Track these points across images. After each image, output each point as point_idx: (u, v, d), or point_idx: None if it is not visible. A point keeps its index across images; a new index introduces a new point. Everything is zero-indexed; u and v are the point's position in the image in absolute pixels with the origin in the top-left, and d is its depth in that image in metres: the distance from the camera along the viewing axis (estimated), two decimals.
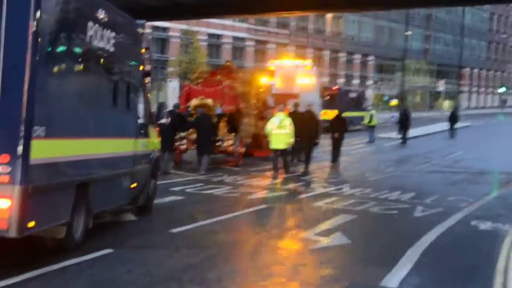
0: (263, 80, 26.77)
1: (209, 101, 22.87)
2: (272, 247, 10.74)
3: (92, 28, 9.61)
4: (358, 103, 46.11)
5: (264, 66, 34.74)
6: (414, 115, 42.43)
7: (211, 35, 59.00)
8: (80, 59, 9.40)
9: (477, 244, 11.53)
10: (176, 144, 22.04)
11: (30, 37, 7.97)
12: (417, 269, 9.39)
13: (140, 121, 12.49)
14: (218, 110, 23.10)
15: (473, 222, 13.37)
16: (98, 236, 10.52)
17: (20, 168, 7.90)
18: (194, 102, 22.97)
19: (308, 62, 35.18)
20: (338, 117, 25.24)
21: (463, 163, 26.51)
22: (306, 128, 21.57)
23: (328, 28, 75.65)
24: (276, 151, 20.07)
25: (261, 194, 16.65)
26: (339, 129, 24.40)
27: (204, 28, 55.24)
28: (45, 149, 8.32)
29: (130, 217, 12.62)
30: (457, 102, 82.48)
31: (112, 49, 10.39)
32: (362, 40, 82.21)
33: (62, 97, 8.80)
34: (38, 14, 8.03)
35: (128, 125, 11.71)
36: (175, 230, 11.43)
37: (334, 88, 48.29)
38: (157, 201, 13.89)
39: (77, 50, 9.30)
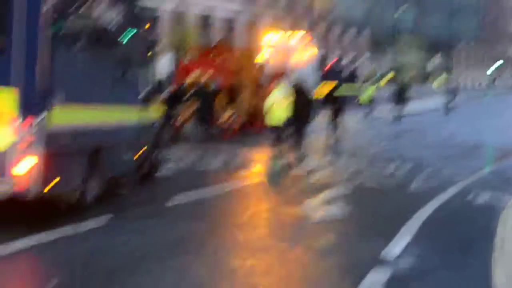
0: (257, 56, 26.94)
1: (205, 77, 23.13)
2: (267, 221, 10.71)
3: (101, 2, 10.22)
4: (354, 77, 45.98)
5: (257, 43, 34.68)
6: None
7: (201, 15, 58.70)
8: (93, 32, 9.99)
9: (474, 217, 11.52)
10: (177, 117, 22.19)
11: (50, 11, 8.58)
12: (416, 241, 9.34)
13: (145, 91, 12.83)
14: (214, 86, 23.35)
15: (469, 196, 13.35)
16: (100, 204, 10.46)
17: (41, 133, 8.40)
18: (190, 78, 23.24)
19: (304, 33, 34.94)
20: (335, 88, 25.56)
21: (458, 138, 26.53)
22: (301, 103, 21.33)
23: (319, 2, 75.29)
24: (278, 122, 19.10)
25: (255, 168, 16.60)
26: (337, 101, 24.60)
27: (194, 6, 54.86)
28: (64, 115, 8.93)
29: (131, 186, 12.60)
30: (444, 77, 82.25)
31: (120, 21, 10.99)
32: (355, 14, 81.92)
33: (78, 67, 9.46)
34: None
35: (134, 95, 12.22)
36: (171, 202, 11.37)
37: (332, 61, 48.51)
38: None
39: (90, 23, 9.95)
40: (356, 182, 14.54)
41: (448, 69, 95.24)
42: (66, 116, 9.04)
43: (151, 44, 13.42)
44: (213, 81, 23.25)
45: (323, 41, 75.15)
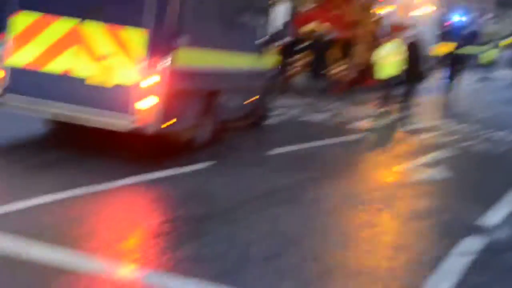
0: (377, 7, 26.67)
1: (324, 26, 22.91)
2: (367, 177, 10.63)
3: None
4: (475, 37, 44.58)
5: None
6: None
7: None
8: None
9: None
10: (289, 67, 22.29)
11: None
12: None
13: (263, 39, 13.19)
14: (329, 38, 23.10)
15: None
16: (207, 148, 10.72)
17: (167, 71, 9.04)
18: (309, 27, 23.04)
19: None
20: (455, 48, 25.95)
21: None
22: (414, 60, 20.93)
23: None
24: (388, 79, 19.29)
25: (362, 123, 16.45)
26: (455, 61, 24.96)
27: None
28: (187, 57, 9.56)
29: (239, 132, 12.77)
30: None
31: None
32: None
33: (201, 12, 9.93)
34: None
35: (252, 42, 12.66)
36: (273, 152, 11.46)
37: (447, 23, 47.21)
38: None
39: None
40: (463, 146, 14.20)
41: None
42: (189, 59, 9.61)
43: None
44: (329, 33, 22.97)
45: None
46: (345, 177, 10.34)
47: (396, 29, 25.06)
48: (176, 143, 10.29)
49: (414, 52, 21.41)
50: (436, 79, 25.00)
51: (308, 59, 21.78)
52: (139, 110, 9.01)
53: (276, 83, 15.62)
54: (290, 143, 12.44)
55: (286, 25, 23.61)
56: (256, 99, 13.40)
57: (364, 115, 17.89)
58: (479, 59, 37.22)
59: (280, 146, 11.91)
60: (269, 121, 14.55)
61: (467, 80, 33.71)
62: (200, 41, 9.94)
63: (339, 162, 11.54)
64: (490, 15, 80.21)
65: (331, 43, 23.20)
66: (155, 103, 8.99)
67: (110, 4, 9.11)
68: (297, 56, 22.50)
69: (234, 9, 11.40)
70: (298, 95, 20.69)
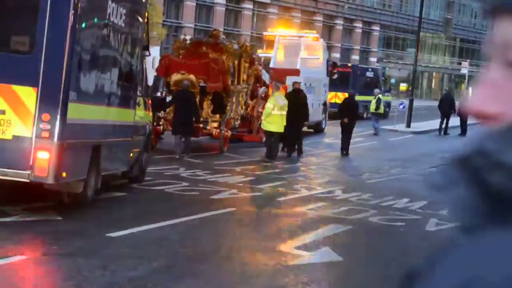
0: (259, 52, 28.77)
1: (192, 76, 23.68)
2: (240, 263, 10.66)
3: (110, 7, 13.61)
4: (374, 84, 46.19)
5: (262, 35, 36.74)
6: (427, 103, 42.07)
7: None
8: (101, 39, 13.57)
9: None
10: (161, 122, 23.58)
11: (70, 19, 12.05)
12: None
13: (139, 93, 16.34)
14: (201, 88, 24.02)
15: None
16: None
17: (58, 126, 11.77)
18: (174, 77, 23.82)
19: (314, 33, 37.27)
20: (348, 100, 27.52)
21: None
22: (300, 110, 23.99)
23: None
24: (272, 134, 22.21)
25: (232, 192, 16.58)
26: (348, 114, 26.34)
27: None
28: (76, 112, 12.33)
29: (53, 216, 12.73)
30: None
31: (123, 25, 14.47)
32: (365, 5, 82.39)
33: (88, 68, 13.03)
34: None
35: (131, 97, 15.80)
36: (114, 234, 11.35)
37: (347, 66, 49.55)
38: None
39: (101, 33, 13.54)
40: (357, 218, 14.54)
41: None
42: (77, 114, 12.35)
43: (146, 44, 17.02)
44: (201, 81, 23.86)
45: (322, 35, 75.47)
46: (208, 266, 10.33)
47: (282, 75, 27.85)
48: (67, 195, 12.76)
49: (298, 100, 23.63)
50: (328, 131, 25.98)
51: (177, 113, 22.37)
52: (36, 163, 11.66)
53: (150, 140, 18.34)
54: (139, 221, 12.38)
55: (158, 77, 24.57)
56: (138, 153, 16.31)
57: (235, 182, 18.05)
58: (372, 109, 38.42)
59: (127, 225, 11.84)
60: (119, 191, 14.78)
61: (357, 135, 34.83)
62: (87, 97, 12.93)
63: (199, 247, 11.50)
64: (376, 56, 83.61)
65: (202, 95, 24.16)
66: (49, 156, 11.63)
67: (1, 64, 12.10)
68: (167, 110, 23.54)
69: (115, 65, 14.47)
70: (169, 155, 21.36)
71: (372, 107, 37.75)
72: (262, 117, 23.33)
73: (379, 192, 18.39)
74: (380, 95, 38.91)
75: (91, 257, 9.95)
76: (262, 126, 23.53)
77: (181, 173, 18.76)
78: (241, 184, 18.07)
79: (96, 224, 12.30)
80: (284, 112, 22.68)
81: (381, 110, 37.38)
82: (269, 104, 22.80)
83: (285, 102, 22.93)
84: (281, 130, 22.62)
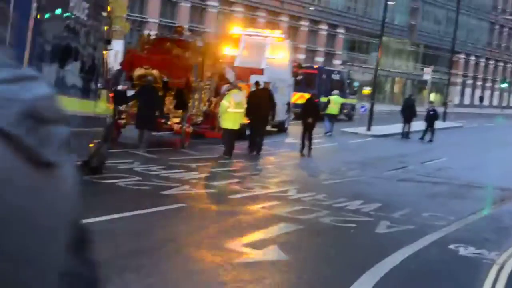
0: (223, 50, 29.39)
1: (155, 71, 24.19)
2: (184, 259, 10.61)
3: (73, 0, 14.06)
4: (339, 87, 46.37)
5: (227, 33, 36.87)
6: (390, 107, 42.30)
7: None
8: (63, 31, 14.10)
9: (454, 272, 11.54)
10: (122, 115, 23.99)
11: (33, 10, 12.48)
12: None
13: (99, 85, 16.71)
14: (164, 83, 24.52)
15: (452, 246, 13.38)
16: None
17: None
18: (137, 71, 24.30)
19: (280, 33, 37.59)
20: (310, 101, 27.52)
21: (447, 172, 26.72)
22: (263, 108, 24.71)
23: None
24: (229, 131, 22.69)
25: (184, 187, 16.51)
26: (312, 114, 26.65)
27: None
28: None
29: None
30: (443, 95, 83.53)
31: (85, 18, 14.80)
32: (330, 7, 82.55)
33: (50, 59, 13.53)
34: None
35: (91, 88, 16.23)
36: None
37: (314, 67, 50.24)
38: None
39: (61, 23, 14.07)
40: (308, 218, 14.51)
41: (444, 84, 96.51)
42: None
43: (108, 37, 17.36)
44: (164, 77, 24.26)
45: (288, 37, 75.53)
46: (152, 261, 10.23)
47: (245, 74, 28.62)
48: None
49: (265, 98, 24.26)
50: (290, 131, 26.12)
51: (139, 108, 22.82)
52: None
53: (110, 132, 18.45)
54: (85, 213, 12.15)
55: (120, 70, 25.17)
56: (97, 144, 16.49)
57: (189, 178, 18.00)
58: (327, 110, 38.44)
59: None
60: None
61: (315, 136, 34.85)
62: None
63: (146, 240, 11.40)
64: (340, 59, 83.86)
65: (165, 90, 24.61)
66: None
67: None
68: (128, 104, 23.88)
69: (76, 56, 14.87)
70: (129, 149, 21.59)
71: (332, 109, 37.87)
72: (218, 114, 23.75)
73: (334, 193, 18.36)
74: (335, 96, 39.04)
75: None
76: (219, 123, 23.90)
77: (135, 167, 18.65)
78: (195, 181, 18.02)
79: None
80: (241, 110, 23.14)
81: (332, 110, 37.47)
82: (224, 102, 23.21)
83: (242, 99, 23.38)
84: (237, 127, 23.02)
